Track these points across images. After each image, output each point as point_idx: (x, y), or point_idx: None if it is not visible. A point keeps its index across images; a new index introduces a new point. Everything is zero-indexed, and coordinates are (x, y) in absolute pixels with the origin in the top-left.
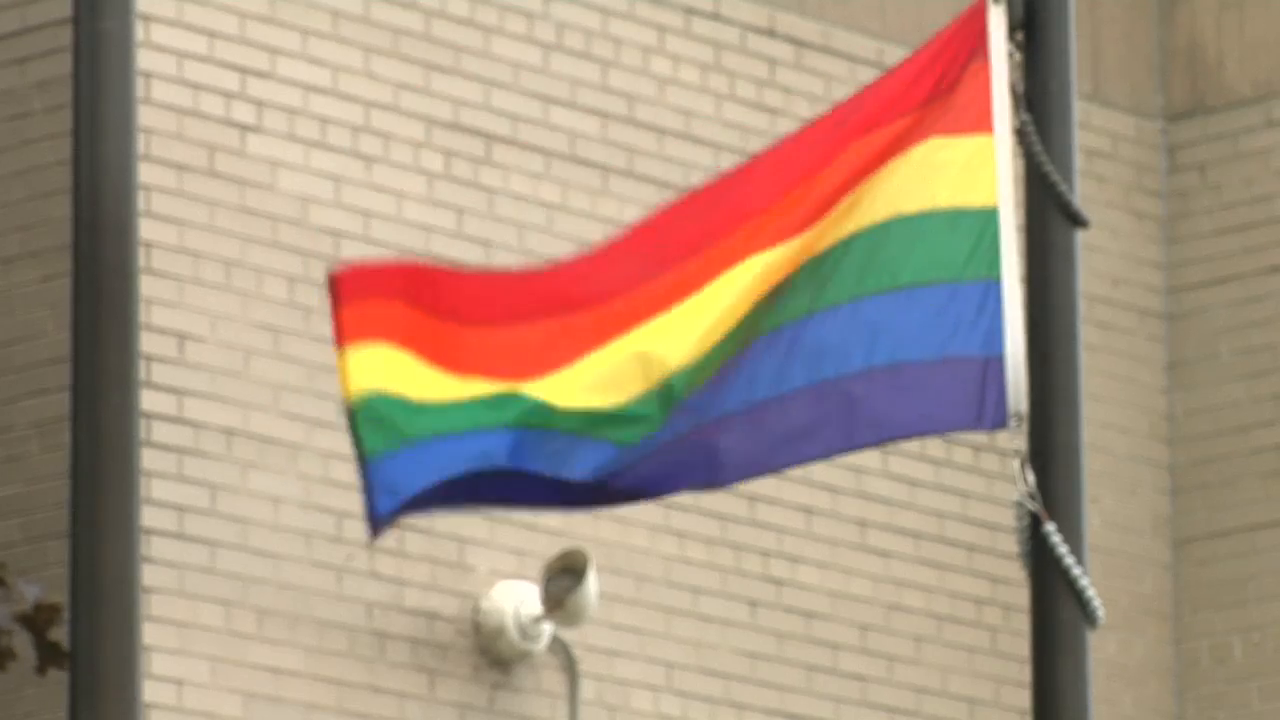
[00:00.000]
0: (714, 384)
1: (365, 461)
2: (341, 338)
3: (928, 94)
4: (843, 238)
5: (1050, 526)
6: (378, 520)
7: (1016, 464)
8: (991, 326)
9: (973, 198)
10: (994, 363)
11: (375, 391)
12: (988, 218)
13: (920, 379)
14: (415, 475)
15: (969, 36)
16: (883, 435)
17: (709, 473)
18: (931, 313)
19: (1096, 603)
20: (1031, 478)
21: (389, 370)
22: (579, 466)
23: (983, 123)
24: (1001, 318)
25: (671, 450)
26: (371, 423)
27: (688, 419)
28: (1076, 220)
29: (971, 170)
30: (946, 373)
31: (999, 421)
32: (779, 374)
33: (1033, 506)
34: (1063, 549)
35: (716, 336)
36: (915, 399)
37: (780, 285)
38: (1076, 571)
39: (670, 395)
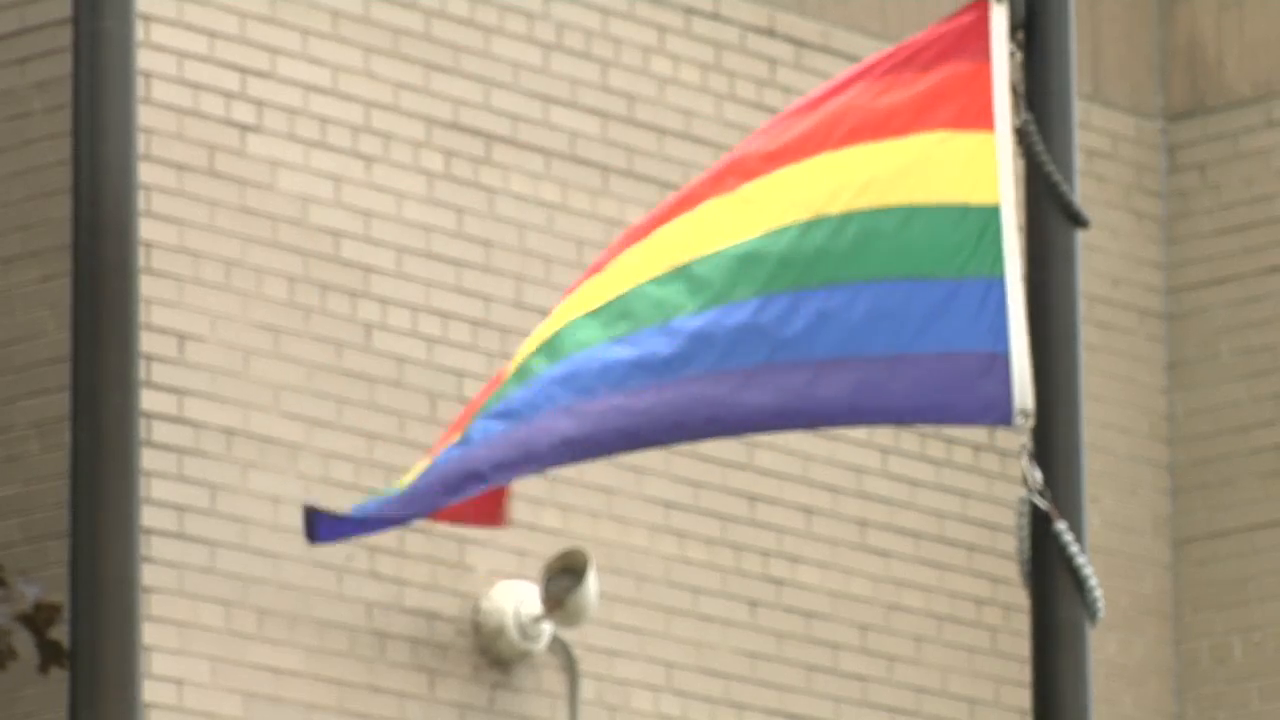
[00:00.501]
0: (713, 323)
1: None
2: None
3: (924, 78)
4: (847, 211)
5: (1062, 525)
6: (323, 533)
7: (1024, 461)
8: (995, 323)
9: (975, 194)
10: (999, 359)
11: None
12: (990, 215)
13: (920, 370)
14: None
15: (970, 33)
16: (878, 420)
17: (706, 423)
18: (933, 306)
19: (1100, 601)
20: (1039, 475)
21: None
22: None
23: (985, 120)
24: (1006, 315)
25: (668, 396)
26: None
27: (683, 360)
28: (1077, 220)
29: (974, 167)
30: (948, 366)
31: (1004, 418)
32: (782, 341)
33: (1043, 504)
34: (1075, 548)
35: (707, 249)
36: (914, 389)
37: (780, 233)
38: (1087, 570)
39: (656, 307)
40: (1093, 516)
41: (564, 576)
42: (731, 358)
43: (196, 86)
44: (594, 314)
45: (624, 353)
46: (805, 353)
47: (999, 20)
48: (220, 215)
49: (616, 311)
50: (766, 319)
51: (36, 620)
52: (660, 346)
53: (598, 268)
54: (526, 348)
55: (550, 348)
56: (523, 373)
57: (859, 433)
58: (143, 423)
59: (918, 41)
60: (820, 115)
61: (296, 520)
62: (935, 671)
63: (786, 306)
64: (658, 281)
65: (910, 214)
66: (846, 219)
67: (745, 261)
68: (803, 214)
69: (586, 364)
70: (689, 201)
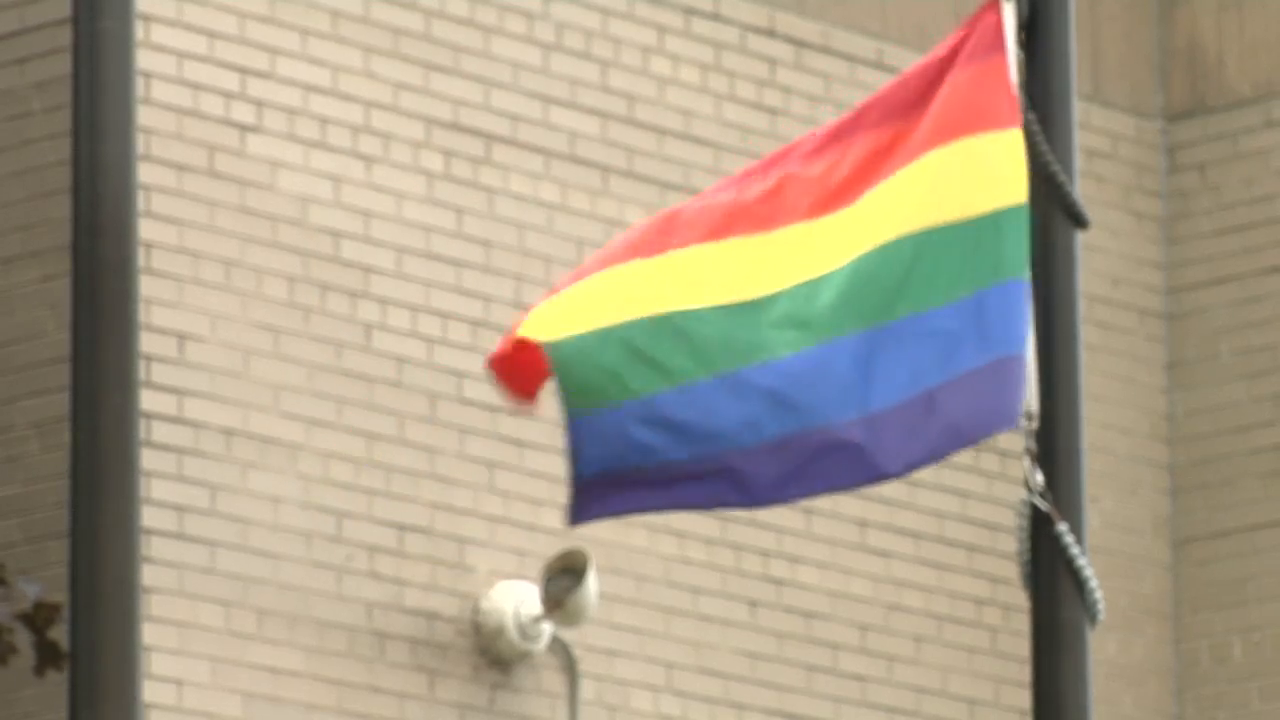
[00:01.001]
0: (784, 374)
1: (568, 417)
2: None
3: (940, 88)
4: (886, 241)
5: (1063, 526)
6: (581, 481)
7: (1027, 462)
8: (1008, 326)
9: (1010, 196)
10: (1013, 362)
11: (564, 337)
12: (1023, 214)
13: (968, 388)
14: (609, 448)
15: (983, 34)
16: (953, 446)
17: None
18: (986, 315)
19: (1100, 603)
20: (1040, 477)
21: (568, 307)
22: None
23: (1012, 117)
24: (1020, 316)
25: (786, 452)
26: (569, 371)
27: (781, 414)
28: (1078, 220)
29: (1007, 166)
30: (991, 376)
31: (1012, 421)
32: (850, 394)
33: (1044, 506)
34: (1075, 549)
35: (761, 290)
36: (967, 407)
37: (825, 280)
38: (1088, 572)
39: (834, 314)
40: (1093, 517)
41: (564, 576)
42: (800, 413)
43: (196, 86)
44: (745, 307)
45: (838, 366)
46: (857, 408)
47: (1010, 18)
48: (220, 215)
49: (785, 315)
50: (816, 366)
51: (36, 620)
52: (852, 364)
53: (680, 242)
54: (632, 300)
55: (707, 348)
56: (667, 371)
57: None
58: (143, 423)
59: (949, 44)
60: (839, 164)
61: (297, 520)
62: (935, 671)
63: (829, 353)
64: (813, 285)
65: (945, 233)
66: (900, 244)
67: (845, 293)
68: (876, 238)
69: (802, 380)
70: (775, 216)
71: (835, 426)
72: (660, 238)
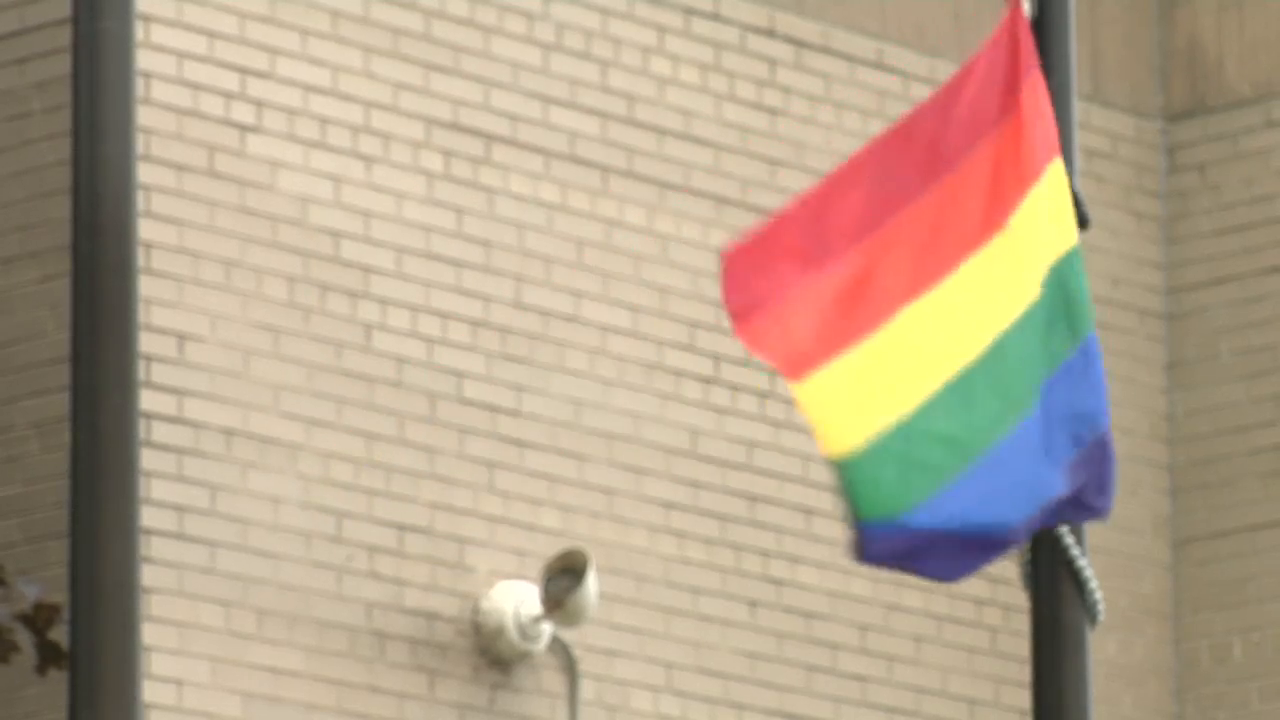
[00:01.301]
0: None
1: (858, 522)
2: (782, 370)
3: (1021, 95)
4: (1035, 299)
5: (1063, 527)
6: (868, 556)
7: None
8: (1091, 396)
9: (1068, 239)
10: (1105, 441)
11: (853, 451)
12: (1078, 258)
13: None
14: (906, 539)
15: (1025, 44)
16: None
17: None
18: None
19: (1100, 604)
20: None
21: (843, 398)
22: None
23: (1056, 143)
24: (1100, 383)
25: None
26: (861, 484)
27: (1035, 485)
28: (1080, 220)
29: (1063, 206)
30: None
31: (1108, 504)
32: (1060, 451)
33: None
34: (1075, 550)
35: (946, 375)
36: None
37: (1010, 337)
38: (1088, 573)
39: (1029, 379)
40: None
41: (564, 577)
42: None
43: (196, 87)
44: (965, 383)
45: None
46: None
47: (1026, 23)
48: (220, 215)
49: (995, 384)
50: (1009, 451)
51: (36, 620)
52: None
53: (877, 313)
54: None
55: (959, 444)
56: (936, 471)
57: None
58: (143, 423)
59: (1007, 43)
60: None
61: (297, 520)
62: (935, 671)
63: (1024, 434)
64: (1004, 346)
65: (1053, 277)
66: (1024, 322)
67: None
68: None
69: (1037, 446)
70: (946, 254)
71: (1063, 485)
72: (873, 265)
